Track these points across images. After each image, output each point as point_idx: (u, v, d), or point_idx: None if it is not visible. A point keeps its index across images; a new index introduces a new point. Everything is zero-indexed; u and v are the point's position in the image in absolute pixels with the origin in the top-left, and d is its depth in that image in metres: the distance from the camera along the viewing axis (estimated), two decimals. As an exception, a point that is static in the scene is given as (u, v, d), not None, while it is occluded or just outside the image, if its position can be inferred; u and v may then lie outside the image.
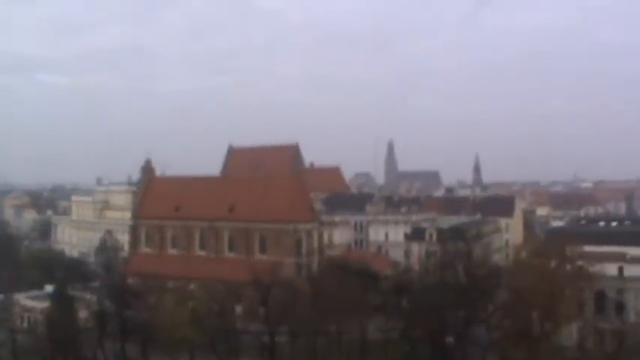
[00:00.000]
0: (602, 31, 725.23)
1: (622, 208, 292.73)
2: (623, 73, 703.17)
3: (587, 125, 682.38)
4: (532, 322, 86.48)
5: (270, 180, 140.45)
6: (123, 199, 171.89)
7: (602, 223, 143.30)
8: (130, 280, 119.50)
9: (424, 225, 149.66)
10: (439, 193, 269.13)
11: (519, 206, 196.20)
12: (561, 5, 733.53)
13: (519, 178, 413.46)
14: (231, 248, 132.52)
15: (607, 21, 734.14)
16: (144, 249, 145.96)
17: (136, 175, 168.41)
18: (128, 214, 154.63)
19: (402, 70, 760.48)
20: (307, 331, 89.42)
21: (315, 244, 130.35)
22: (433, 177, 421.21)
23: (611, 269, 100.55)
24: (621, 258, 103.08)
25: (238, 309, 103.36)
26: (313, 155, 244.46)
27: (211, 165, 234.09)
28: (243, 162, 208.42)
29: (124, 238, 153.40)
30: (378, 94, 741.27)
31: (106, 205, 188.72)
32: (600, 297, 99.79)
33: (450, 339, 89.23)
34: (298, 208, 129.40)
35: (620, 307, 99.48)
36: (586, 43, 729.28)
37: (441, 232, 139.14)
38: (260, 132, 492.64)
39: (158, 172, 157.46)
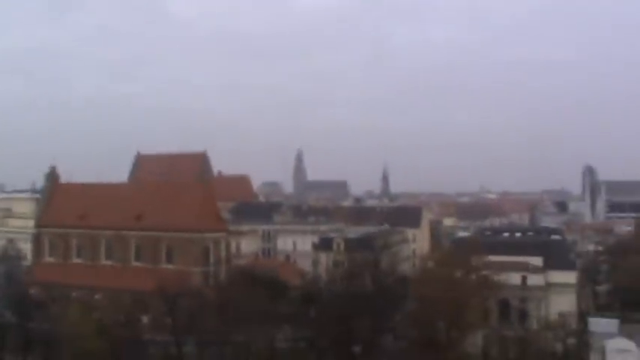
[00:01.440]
0: (508, 47, 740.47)
1: (526, 219, 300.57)
2: (527, 87, 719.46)
3: (492, 138, 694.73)
4: (438, 331, 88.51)
5: (177, 188, 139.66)
6: (26, 207, 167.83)
7: (506, 234, 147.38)
8: (33, 291, 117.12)
9: (332, 235, 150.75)
10: (347, 203, 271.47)
11: (426, 217, 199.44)
12: (471, 22, 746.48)
13: (427, 189, 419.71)
14: (137, 257, 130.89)
15: (512, 39, 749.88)
16: (47, 258, 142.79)
17: (40, 183, 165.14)
18: (31, 223, 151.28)
19: (313, 81, 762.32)
20: (215, 341, 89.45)
21: (223, 253, 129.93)
22: (342, 187, 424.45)
23: (515, 278, 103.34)
24: (524, 267, 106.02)
25: (145, 319, 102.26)
26: (222, 164, 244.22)
27: (120, 173, 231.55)
28: (151, 169, 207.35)
29: (26, 247, 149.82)
30: (288, 104, 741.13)
31: (7, 213, 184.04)
32: (504, 305, 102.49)
33: (357, 348, 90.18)
34: (206, 217, 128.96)
35: (523, 315, 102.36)
36: (493, 59, 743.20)
37: (348, 242, 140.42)
38: (171, 140, 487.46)
39: (64, 180, 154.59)
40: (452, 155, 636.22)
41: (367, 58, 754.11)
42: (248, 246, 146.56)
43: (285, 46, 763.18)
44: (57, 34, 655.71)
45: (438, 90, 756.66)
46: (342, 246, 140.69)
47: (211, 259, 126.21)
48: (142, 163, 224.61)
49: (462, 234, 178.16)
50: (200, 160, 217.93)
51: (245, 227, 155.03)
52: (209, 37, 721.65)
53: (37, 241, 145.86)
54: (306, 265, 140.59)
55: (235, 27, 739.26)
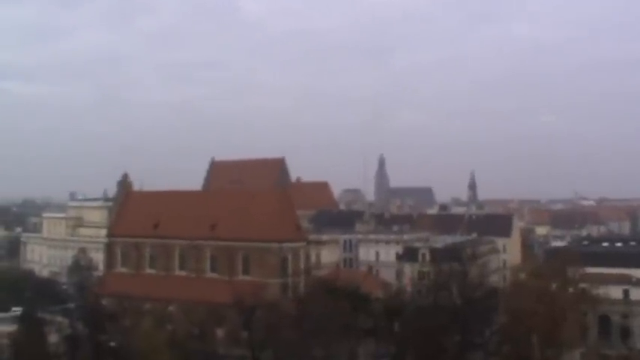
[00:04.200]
0: (599, 45, 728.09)
1: (626, 228, 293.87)
2: (624, 89, 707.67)
3: (585, 141, 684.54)
4: (532, 347, 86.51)
5: (254, 196, 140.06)
6: (98, 216, 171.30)
7: (605, 244, 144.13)
8: (105, 302, 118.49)
9: (417, 244, 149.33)
10: (433, 210, 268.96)
11: (517, 225, 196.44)
12: (560, 19, 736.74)
13: (517, 196, 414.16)
14: (212, 268, 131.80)
15: (609, 36, 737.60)
16: (120, 268, 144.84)
17: (112, 190, 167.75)
18: (103, 232, 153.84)
19: (393, 85, 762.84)
20: (293, 355, 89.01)
21: (302, 263, 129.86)
22: (426, 193, 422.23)
23: (616, 292, 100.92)
24: (626, 280, 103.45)
25: (220, 332, 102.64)
26: (300, 170, 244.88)
27: (193, 180, 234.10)
28: (226, 176, 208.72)
29: (98, 257, 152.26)
30: (368, 108, 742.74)
31: (79, 222, 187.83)
32: (604, 321, 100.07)
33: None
34: (284, 226, 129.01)
35: (626, 333, 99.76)
36: (585, 58, 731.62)
37: (434, 252, 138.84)
38: (243, 145, 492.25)
39: (136, 187, 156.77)
40: (543, 159, 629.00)
41: (449, 59, 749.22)
42: (328, 256, 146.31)
43: (363, 45, 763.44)
44: (126, 39, 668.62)
45: (525, 91, 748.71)
46: (427, 256, 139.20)
47: (290, 270, 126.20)
48: (216, 169, 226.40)
49: (556, 243, 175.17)
50: (278, 167, 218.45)
51: (325, 236, 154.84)
52: (282, 37, 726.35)
53: (109, 250, 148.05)
54: (389, 276, 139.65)
55: (309, 26, 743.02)
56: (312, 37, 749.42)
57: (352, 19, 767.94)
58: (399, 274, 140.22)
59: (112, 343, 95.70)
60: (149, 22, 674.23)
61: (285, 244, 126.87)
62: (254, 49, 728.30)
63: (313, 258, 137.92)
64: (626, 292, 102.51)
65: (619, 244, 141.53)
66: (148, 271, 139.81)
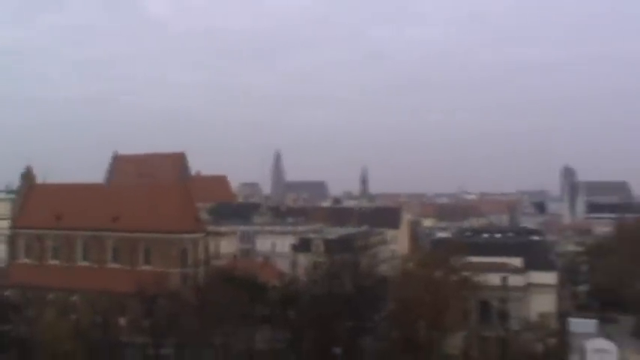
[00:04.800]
0: (488, 47, 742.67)
1: (505, 220, 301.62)
2: (505, 88, 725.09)
3: (469, 138, 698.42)
4: (418, 332, 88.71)
5: (155, 189, 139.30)
6: (1, 208, 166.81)
7: (486, 235, 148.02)
8: (8, 293, 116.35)
9: (311, 236, 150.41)
10: (326, 203, 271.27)
11: (406, 217, 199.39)
12: (451, 22, 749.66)
13: (405, 190, 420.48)
14: (115, 259, 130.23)
15: (493, 39, 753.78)
16: (23, 260, 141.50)
17: (15, 183, 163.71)
18: (6, 224, 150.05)
19: (291, 81, 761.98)
20: (194, 342, 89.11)
21: (202, 254, 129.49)
22: (320, 187, 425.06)
23: (495, 279, 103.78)
24: (505, 268, 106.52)
25: (122, 321, 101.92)
26: (200, 164, 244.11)
27: (96, 173, 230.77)
28: (128, 170, 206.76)
29: (1, 249, 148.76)
30: (267, 104, 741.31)
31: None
32: (484, 306, 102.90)
33: (337, 349, 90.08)
34: (184, 218, 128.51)
35: (504, 316, 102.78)
36: (472, 59, 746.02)
37: (327, 243, 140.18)
38: (149, 140, 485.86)
39: (39, 180, 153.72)
40: (430, 156, 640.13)
41: (345, 58, 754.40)
42: (227, 247, 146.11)
43: (262, 44, 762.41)
44: (31, 35, 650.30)
45: (416, 90, 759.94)
46: (321, 247, 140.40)
47: (190, 261, 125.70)
48: (119, 163, 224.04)
49: (441, 235, 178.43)
50: (178, 161, 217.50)
51: (224, 228, 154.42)
52: (186, 36, 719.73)
53: (12, 242, 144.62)
54: (285, 266, 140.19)
55: (212, 25, 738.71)
56: (216, 36, 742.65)
57: (254, 20, 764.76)
58: (294, 264, 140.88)
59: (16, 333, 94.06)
60: (57, 18, 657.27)
61: (185, 235, 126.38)
62: (160, 48, 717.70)
63: (212, 248, 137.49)
64: (504, 279, 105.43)
65: (498, 235, 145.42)
66: (51, 262, 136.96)
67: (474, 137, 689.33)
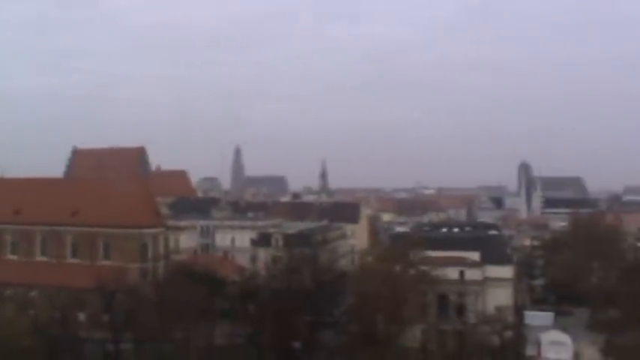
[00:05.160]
0: (446, 44, 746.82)
1: (463, 215, 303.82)
2: (466, 85, 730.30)
3: (429, 134, 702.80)
4: (377, 326, 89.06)
5: (115, 183, 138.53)
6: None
7: (444, 229, 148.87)
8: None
9: (271, 230, 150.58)
10: (286, 198, 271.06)
11: (365, 212, 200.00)
12: (408, 20, 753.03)
13: (364, 185, 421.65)
14: (74, 254, 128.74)
15: (451, 36, 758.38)
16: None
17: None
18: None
19: (252, 75, 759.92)
20: (153, 338, 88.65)
21: (161, 249, 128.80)
22: (280, 182, 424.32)
23: (453, 273, 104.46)
24: (462, 262, 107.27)
25: (81, 316, 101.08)
26: (160, 158, 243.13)
27: (56, 167, 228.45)
28: (87, 164, 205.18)
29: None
30: (227, 99, 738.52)
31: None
32: (442, 300, 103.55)
33: (297, 344, 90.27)
34: (144, 213, 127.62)
35: (461, 310, 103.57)
36: (431, 56, 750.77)
37: (287, 238, 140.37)
38: (109, 134, 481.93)
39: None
40: (389, 151, 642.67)
41: (305, 53, 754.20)
42: (186, 242, 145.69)
43: (222, 38, 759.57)
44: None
45: (376, 87, 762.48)
46: (280, 242, 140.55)
47: (149, 255, 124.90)
48: (78, 157, 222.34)
49: (400, 229, 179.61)
50: (138, 155, 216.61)
51: (183, 223, 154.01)
52: (145, 29, 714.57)
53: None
54: (244, 261, 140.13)
55: (172, 18, 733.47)
56: (176, 30, 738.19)
57: (215, 14, 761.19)
58: (254, 259, 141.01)
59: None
60: (14, 8, 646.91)
61: (144, 230, 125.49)
62: (119, 40, 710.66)
63: (172, 243, 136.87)
64: (461, 273, 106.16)
65: (456, 230, 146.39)
66: (10, 257, 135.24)
67: (432, 133, 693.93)
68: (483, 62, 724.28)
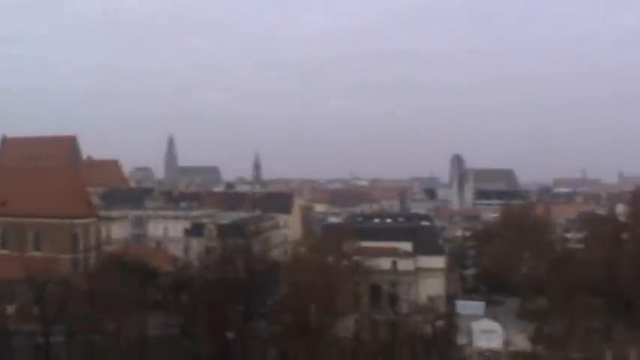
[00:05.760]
0: (380, 37, 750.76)
1: (396, 206, 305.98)
2: (398, 77, 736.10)
3: (362, 126, 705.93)
4: (310, 316, 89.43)
5: (45, 172, 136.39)
6: None
7: (377, 220, 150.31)
8: None
9: (204, 220, 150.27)
10: (219, 188, 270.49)
11: (298, 203, 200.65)
12: (349, 11, 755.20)
13: (298, 176, 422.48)
14: (3, 245, 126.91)
15: (386, 29, 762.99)
16: None
17: None
18: None
19: (187, 65, 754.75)
20: (84, 329, 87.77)
21: (93, 239, 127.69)
22: (213, 172, 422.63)
23: (386, 263, 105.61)
24: (395, 253, 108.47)
25: (11, 309, 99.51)
26: (92, 148, 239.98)
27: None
28: (18, 154, 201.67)
29: None
30: (161, 87, 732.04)
31: None
32: (375, 290, 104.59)
33: (230, 334, 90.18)
34: (75, 203, 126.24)
35: (394, 300, 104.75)
36: (365, 49, 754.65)
37: (220, 228, 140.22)
38: (41, 123, 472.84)
39: None
40: (323, 142, 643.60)
41: (241, 43, 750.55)
42: (118, 232, 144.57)
43: (159, 26, 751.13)
44: None
45: (312, 77, 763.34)
46: (213, 232, 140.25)
47: (81, 246, 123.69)
48: (8, 147, 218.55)
49: (333, 220, 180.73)
50: (69, 144, 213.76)
51: (115, 213, 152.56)
52: (81, 16, 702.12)
53: None
54: (177, 251, 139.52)
55: (109, 4, 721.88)
56: (113, 16, 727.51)
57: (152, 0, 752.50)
58: (187, 249, 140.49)
59: None
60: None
61: (75, 221, 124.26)
62: (57, 27, 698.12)
63: (104, 234, 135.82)
64: (394, 264, 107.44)
65: (389, 221, 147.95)
66: None
67: (366, 125, 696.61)
68: (417, 54, 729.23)
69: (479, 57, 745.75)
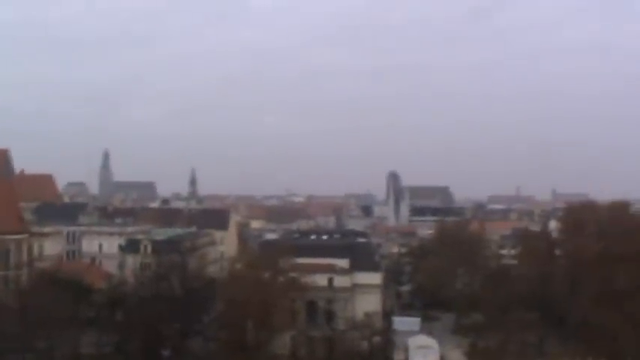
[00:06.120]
0: (318, 53, 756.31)
1: (332, 222, 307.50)
2: (335, 97, 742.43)
3: (298, 142, 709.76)
4: (247, 333, 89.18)
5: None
6: None
7: (313, 236, 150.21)
8: None
9: (139, 237, 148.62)
10: (155, 204, 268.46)
11: (234, 219, 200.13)
12: (283, 27, 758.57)
13: (234, 192, 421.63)
14: None
15: (326, 45, 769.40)
16: None
17: None
18: None
19: (121, 79, 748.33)
20: (15, 348, 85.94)
21: (25, 255, 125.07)
22: (149, 188, 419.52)
23: (322, 280, 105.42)
24: (331, 269, 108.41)
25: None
26: (25, 162, 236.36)
27: None
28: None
29: None
30: (96, 102, 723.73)
31: None
32: (312, 307, 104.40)
33: (165, 352, 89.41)
34: (6, 217, 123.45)
35: (331, 316, 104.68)
36: (300, 63, 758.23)
37: (156, 244, 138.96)
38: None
39: None
40: (260, 158, 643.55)
41: (176, 59, 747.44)
42: (52, 248, 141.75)
43: (92, 40, 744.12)
44: None
45: (247, 91, 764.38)
46: (149, 248, 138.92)
47: (12, 262, 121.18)
48: None
49: (269, 236, 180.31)
50: (1, 158, 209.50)
51: (48, 229, 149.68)
52: (8, 26, 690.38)
53: None
54: (112, 267, 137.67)
55: (37, 16, 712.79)
56: (42, 28, 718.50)
57: (84, 14, 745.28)
58: (122, 266, 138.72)
59: None
60: None
61: (7, 236, 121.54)
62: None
63: (36, 250, 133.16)
64: (330, 280, 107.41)
65: (325, 237, 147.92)
66: None
67: (303, 141, 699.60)
68: (353, 70, 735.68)
69: (408, 73, 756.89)
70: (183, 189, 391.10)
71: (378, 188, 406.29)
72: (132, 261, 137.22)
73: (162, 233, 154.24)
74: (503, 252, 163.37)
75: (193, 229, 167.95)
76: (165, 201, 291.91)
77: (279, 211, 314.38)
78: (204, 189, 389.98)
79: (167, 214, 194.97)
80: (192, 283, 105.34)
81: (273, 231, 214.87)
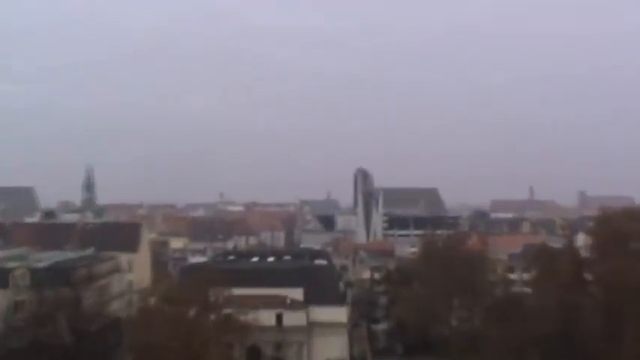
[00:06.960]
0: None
1: (281, 239, 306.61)
2: (285, 87, 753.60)
3: (235, 136, 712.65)
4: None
5: None
6: None
7: (256, 258, 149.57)
8: None
9: (10, 264, 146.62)
10: (34, 218, 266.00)
11: (147, 236, 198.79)
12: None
13: (148, 200, 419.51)
14: None
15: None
16: None
17: None
18: None
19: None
20: None
21: None
22: (26, 195, 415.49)
23: (268, 317, 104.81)
24: (280, 303, 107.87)
25: None
26: None
27: None
28: None
29: None
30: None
31: None
32: (254, 354, 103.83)
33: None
34: None
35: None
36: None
37: (35, 274, 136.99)
38: None
39: None
40: (178, 155, 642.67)
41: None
42: None
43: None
44: None
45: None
46: (26, 280, 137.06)
47: None
48: None
49: (196, 259, 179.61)
50: None
51: None
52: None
53: None
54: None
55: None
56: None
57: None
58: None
59: None
60: None
61: None
62: None
63: None
64: (279, 317, 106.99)
65: (271, 259, 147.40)
66: None
67: (241, 136, 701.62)
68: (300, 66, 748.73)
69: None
70: (76, 196, 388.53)
71: (342, 192, 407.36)
72: (1, 299, 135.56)
73: (44, 259, 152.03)
74: (513, 276, 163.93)
75: (90, 251, 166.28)
76: (49, 213, 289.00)
77: (209, 225, 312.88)
78: (105, 196, 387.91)
79: (52, 232, 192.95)
80: (87, 325, 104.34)
81: (201, 252, 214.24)
